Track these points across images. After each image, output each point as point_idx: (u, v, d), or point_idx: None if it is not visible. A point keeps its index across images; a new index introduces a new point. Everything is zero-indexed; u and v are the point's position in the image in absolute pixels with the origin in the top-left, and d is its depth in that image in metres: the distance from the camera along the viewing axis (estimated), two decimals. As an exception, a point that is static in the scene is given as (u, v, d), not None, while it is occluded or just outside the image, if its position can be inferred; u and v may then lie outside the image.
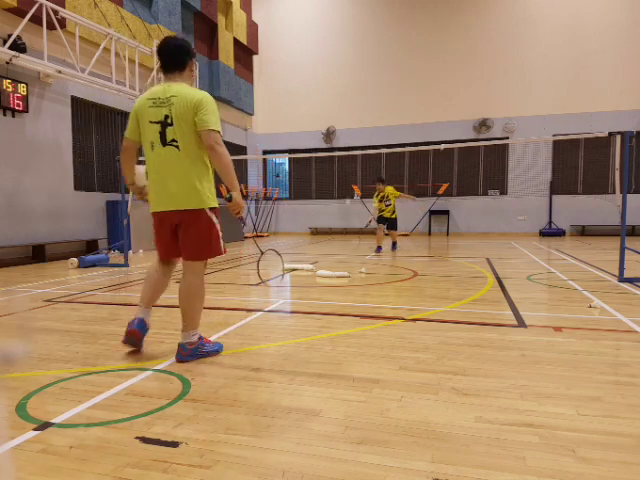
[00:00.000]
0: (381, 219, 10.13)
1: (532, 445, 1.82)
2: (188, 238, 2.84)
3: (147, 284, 3.09)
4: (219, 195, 2.99)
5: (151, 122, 2.79)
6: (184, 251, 2.89)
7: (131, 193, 7.74)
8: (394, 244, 10.41)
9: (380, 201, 10.02)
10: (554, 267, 7.12)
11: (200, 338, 2.96)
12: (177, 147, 2.76)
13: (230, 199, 2.80)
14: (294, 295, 5.30)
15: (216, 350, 3.00)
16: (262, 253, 3.60)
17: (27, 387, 2.48)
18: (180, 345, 2.89)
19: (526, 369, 2.66)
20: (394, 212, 10.15)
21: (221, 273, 6.96)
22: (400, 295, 5.13)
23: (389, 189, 10.07)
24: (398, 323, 3.77)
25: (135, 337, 2.98)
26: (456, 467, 1.67)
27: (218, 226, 2.89)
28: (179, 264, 3.10)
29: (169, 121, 2.75)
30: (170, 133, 2.76)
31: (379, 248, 9.94)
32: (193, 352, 2.88)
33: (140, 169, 3.34)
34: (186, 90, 2.78)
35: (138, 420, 2.07)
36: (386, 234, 10.34)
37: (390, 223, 10.19)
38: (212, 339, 3.23)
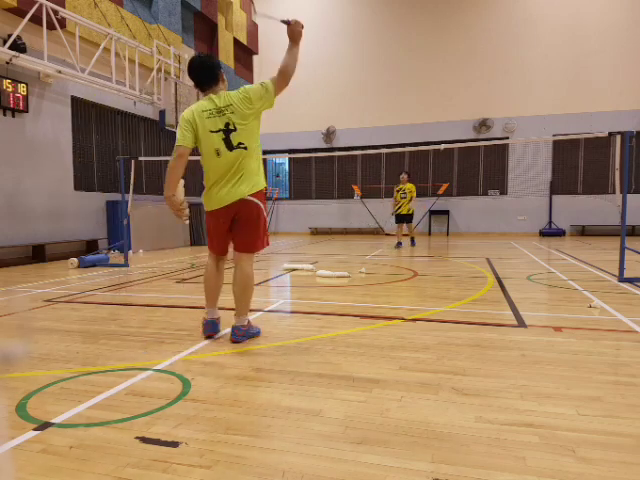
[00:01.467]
0: (398, 217, 10.97)
1: (532, 445, 1.81)
2: (244, 224, 3.17)
3: (207, 287, 3.38)
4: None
5: (212, 132, 3.07)
6: (238, 242, 3.22)
7: (131, 193, 7.72)
8: (399, 243, 11.00)
9: (397, 191, 10.92)
10: (554, 267, 7.12)
11: (249, 321, 3.33)
12: (245, 148, 3.09)
13: (288, 22, 3.21)
14: (294, 295, 5.30)
15: (259, 332, 3.40)
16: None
17: (27, 387, 2.48)
18: (234, 327, 3.25)
19: (526, 369, 2.65)
20: (410, 208, 10.88)
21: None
22: (400, 295, 5.13)
23: (409, 186, 10.81)
24: (398, 323, 3.77)
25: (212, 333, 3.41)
26: (456, 467, 1.67)
27: (264, 210, 3.26)
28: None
29: (231, 127, 3.06)
30: (236, 138, 3.06)
31: (399, 244, 10.86)
32: (246, 333, 3.28)
33: (180, 184, 3.48)
34: (232, 95, 3.10)
35: (138, 420, 2.07)
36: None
37: (406, 219, 11.01)
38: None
